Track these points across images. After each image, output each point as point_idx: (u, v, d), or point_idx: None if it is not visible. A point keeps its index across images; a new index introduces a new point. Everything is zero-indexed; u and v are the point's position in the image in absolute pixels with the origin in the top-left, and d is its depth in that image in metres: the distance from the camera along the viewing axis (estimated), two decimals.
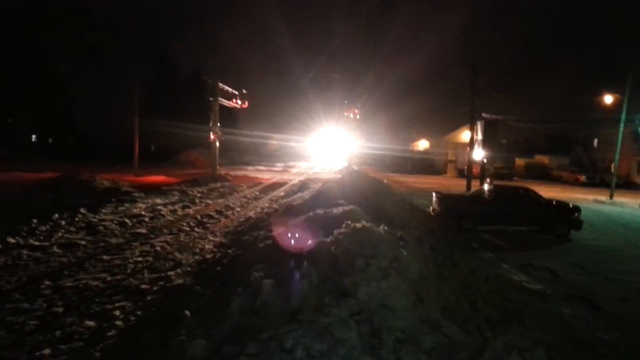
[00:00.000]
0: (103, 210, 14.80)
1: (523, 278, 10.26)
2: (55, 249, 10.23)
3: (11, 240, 10.48)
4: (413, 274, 5.42)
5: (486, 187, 17.81)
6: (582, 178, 44.90)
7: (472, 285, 7.80)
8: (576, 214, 16.03)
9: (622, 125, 29.82)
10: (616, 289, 10.02)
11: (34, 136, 51.19)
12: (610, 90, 32.22)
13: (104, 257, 9.78)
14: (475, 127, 28.50)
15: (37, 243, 10.57)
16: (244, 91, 32.84)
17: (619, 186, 31.92)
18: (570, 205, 16.84)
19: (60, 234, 11.56)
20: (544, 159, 54.09)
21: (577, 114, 50.82)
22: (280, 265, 6.09)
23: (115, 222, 13.38)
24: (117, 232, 12.27)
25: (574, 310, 8.26)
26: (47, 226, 12.06)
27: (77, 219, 13.27)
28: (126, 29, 47.70)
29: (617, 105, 31.30)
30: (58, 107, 46.42)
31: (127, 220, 13.72)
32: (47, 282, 7.95)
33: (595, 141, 56.32)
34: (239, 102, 32.44)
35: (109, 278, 8.35)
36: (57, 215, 13.08)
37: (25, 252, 9.82)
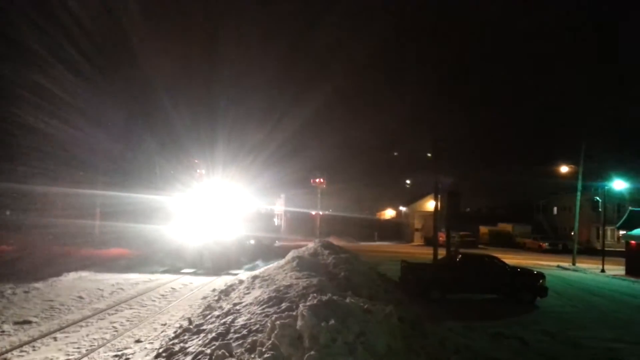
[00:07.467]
0: (59, 285, 14.21)
1: (493, 348, 10.12)
2: (5, 327, 9.65)
3: None
4: (380, 348, 5.28)
5: (452, 255, 17.92)
6: (545, 245, 45.89)
7: (441, 357, 7.64)
8: (541, 281, 16.16)
9: (578, 194, 31.09)
10: (585, 356, 9.99)
11: None
12: (566, 162, 33.79)
13: (58, 335, 9.25)
14: (439, 197, 29.06)
15: None
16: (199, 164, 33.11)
17: (580, 252, 32.73)
18: (535, 272, 17.04)
19: (12, 311, 10.95)
20: (507, 226, 55.24)
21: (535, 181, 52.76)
22: (242, 342, 5.87)
23: (72, 297, 12.81)
24: (73, 307, 11.70)
25: None
26: None
27: (31, 294, 12.68)
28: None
29: (573, 174, 32.70)
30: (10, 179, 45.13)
31: (84, 295, 13.16)
32: None
33: (555, 209, 58.18)
34: (203, 172, 32.52)
35: (62, 358, 7.87)
36: (9, 292, 12.48)
37: None
